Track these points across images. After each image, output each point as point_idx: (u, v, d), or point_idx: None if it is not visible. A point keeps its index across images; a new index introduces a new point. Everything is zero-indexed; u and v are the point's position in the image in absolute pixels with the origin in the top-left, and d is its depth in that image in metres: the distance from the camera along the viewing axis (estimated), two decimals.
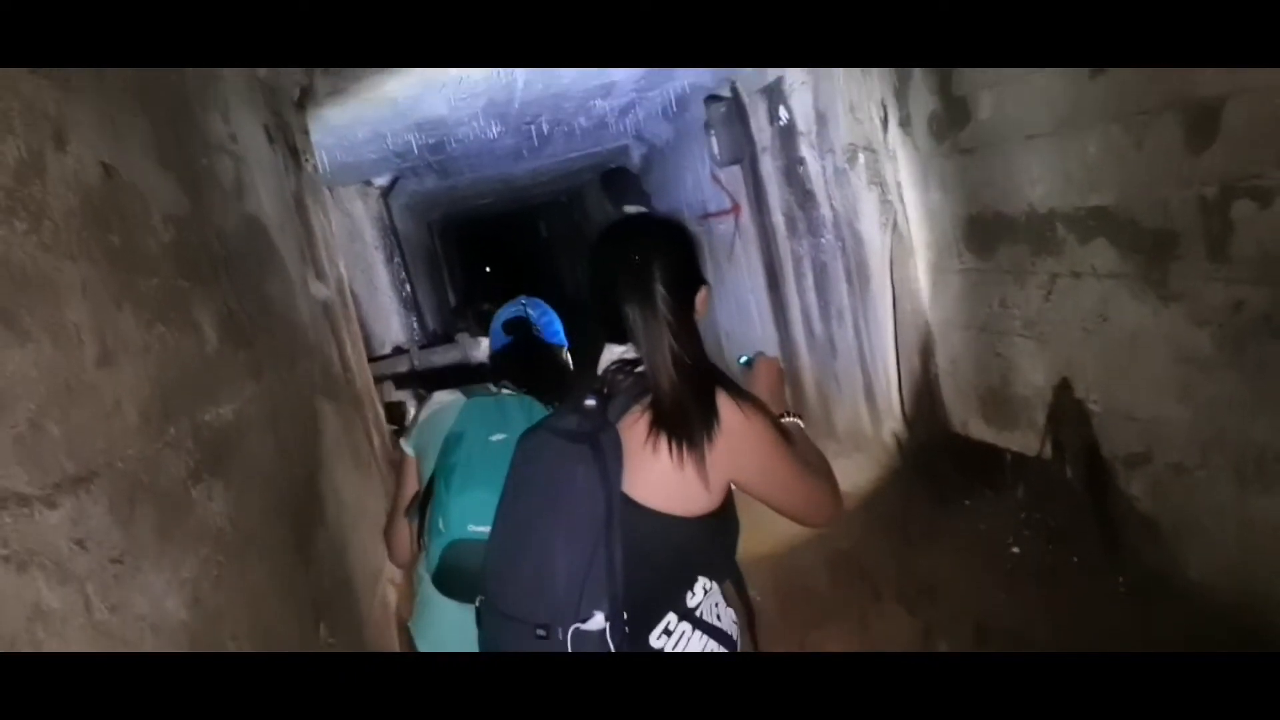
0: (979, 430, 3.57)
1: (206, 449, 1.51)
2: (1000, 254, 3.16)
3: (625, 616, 1.21)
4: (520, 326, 1.87)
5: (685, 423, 1.23)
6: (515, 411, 1.68)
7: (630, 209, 5.82)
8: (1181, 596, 2.59)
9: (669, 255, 1.32)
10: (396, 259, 6.57)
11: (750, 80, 4.74)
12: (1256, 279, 2.14)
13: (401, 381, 5.23)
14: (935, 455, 3.93)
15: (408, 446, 1.77)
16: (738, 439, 1.25)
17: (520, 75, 3.87)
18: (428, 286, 8.30)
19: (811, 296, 4.93)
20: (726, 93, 5.00)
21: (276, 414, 2.00)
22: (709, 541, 1.32)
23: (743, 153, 5.12)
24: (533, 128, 5.28)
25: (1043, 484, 3.22)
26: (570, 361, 1.91)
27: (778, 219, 5.07)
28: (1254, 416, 2.25)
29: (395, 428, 2.39)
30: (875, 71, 3.63)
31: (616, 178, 6.82)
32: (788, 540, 3.56)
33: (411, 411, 4.39)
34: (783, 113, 4.50)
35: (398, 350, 5.79)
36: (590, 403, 1.30)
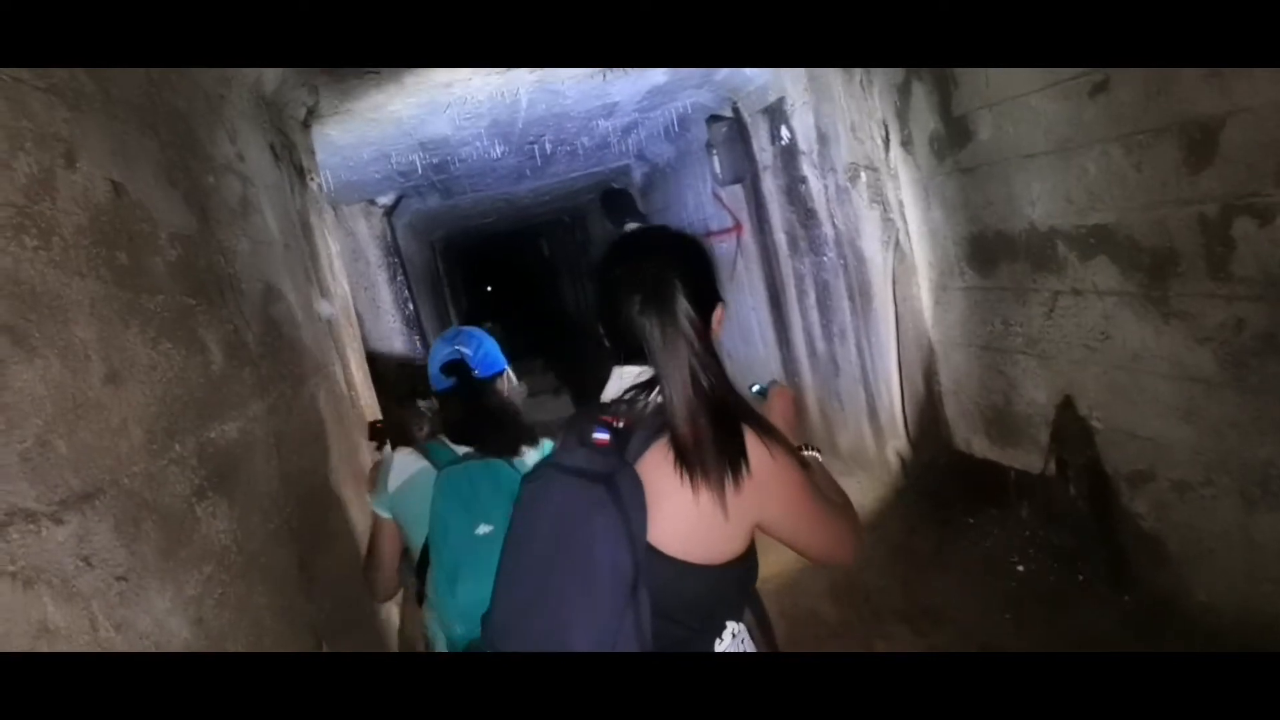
0: (982, 449, 3.57)
1: (211, 467, 1.51)
2: (1002, 272, 3.17)
3: None
4: (457, 369, 1.88)
5: (712, 459, 1.11)
6: (485, 487, 1.75)
7: (630, 226, 5.85)
8: (1187, 617, 2.58)
9: (690, 267, 1.21)
10: (400, 278, 6.58)
11: (752, 100, 4.77)
12: (1257, 297, 2.14)
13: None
14: (939, 474, 3.92)
15: (381, 510, 1.84)
16: (765, 480, 1.14)
17: (524, 95, 3.90)
18: (430, 305, 8.32)
19: (814, 315, 4.94)
20: (728, 112, 5.04)
21: (281, 433, 2.00)
22: (736, 589, 1.23)
23: (744, 172, 5.14)
24: (536, 147, 5.31)
25: (1047, 502, 3.21)
26: (514, 381, 1.96)
27: (780, 238, 5.09)
28: (1257, 435, 2.25)
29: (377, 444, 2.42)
30: (876, 91, 3.66)
31: (615, 198, 6.87)
32: (791, 562, 3.54)
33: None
34: (784, 132, 4.53)
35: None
36: (601, 436, 1.17)
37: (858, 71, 3.72)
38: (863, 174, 3.91)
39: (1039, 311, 3.01)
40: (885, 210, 3.83)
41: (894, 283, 3.91)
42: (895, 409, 4.19)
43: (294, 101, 3.06)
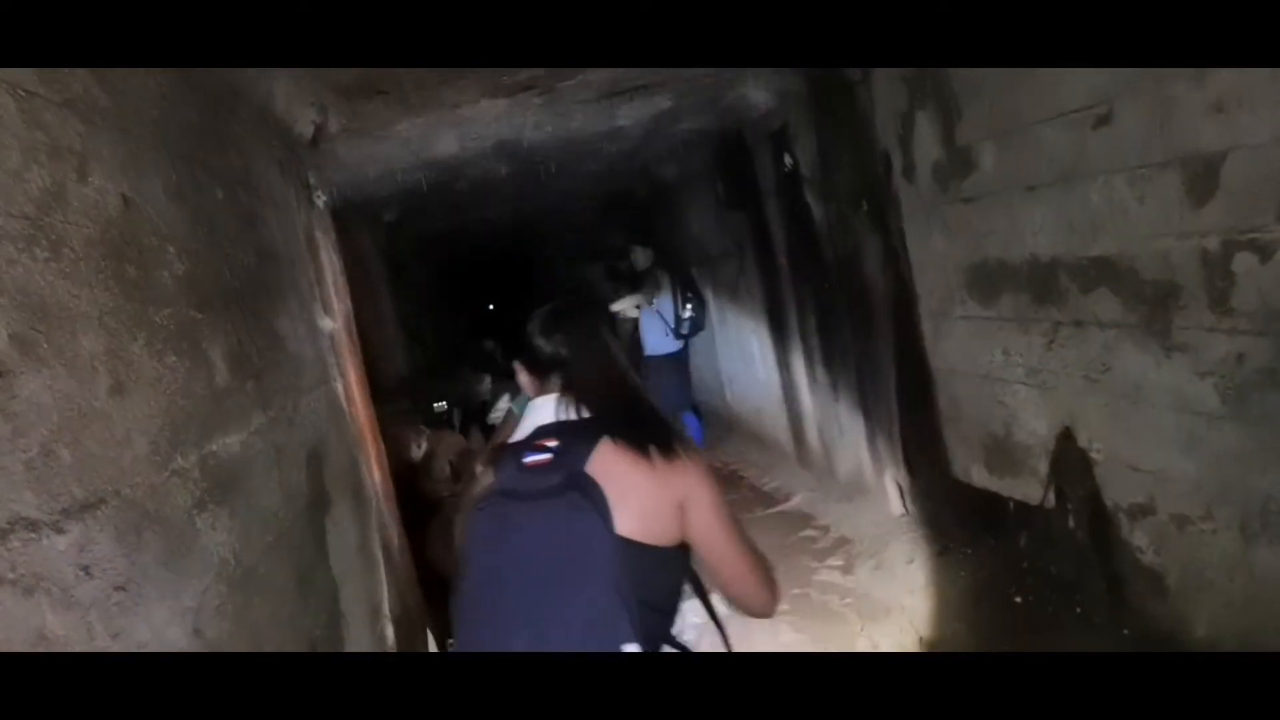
0: (981, 478, 3.56)
1: (212, 479, 1.51)
2: (1003, 302, 3.18)
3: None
4: None
5: (648, 421, 1.37)
6: None
7: (624, 301, 6.07)
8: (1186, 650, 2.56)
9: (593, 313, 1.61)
10: (403, 294, 6.61)
11: (756, 125, 4.81)
12: (1259, 331, 2.15)
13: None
14: (937, 503, 3.91)
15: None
16: (690, 464, 1.33)
17: (530, 117, 3.94)
18: (432, 323, 8.33)
19: (814, 340, 4.95)
20: (732, 137, 5.08)
21: (282, 447, 2.01)
22: (686, 568, 1.39)
23: (747, 197, 5.18)
24: (541, 168, 5.35)
25: (1045, 533, 3.20)
26: None
27: (781, 263, 5.11)
28: (1258, 469, 2.24)
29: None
30: (879, 119, 3.69)
31: (616, 273, 6.93)
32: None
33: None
34: (787, 159, 4.56)
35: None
36: (541, 457, 1.32)
37: (861, 99, 3.76)
38: (864, 201, 3.93)
39: (1040, 342, 3.01)
40: (886, 238, 3.85)
41: (894, 310, 3.93)
42: (894, 436, 4.19)
43: (302, 119, 3.08)
